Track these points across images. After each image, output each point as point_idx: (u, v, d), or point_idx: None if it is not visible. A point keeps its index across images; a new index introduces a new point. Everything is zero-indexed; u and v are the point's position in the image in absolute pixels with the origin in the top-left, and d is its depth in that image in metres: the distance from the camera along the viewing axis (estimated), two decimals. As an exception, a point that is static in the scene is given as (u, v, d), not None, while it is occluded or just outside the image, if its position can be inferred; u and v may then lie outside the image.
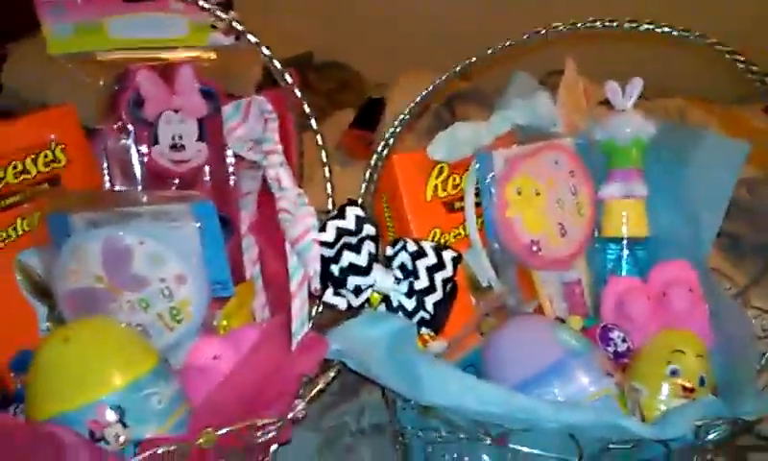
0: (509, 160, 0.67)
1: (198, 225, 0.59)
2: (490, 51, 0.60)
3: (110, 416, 0.49)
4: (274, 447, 0.57)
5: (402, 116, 0.58)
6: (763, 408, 0.54)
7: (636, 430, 0.49)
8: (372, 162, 0.59)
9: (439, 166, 0.67)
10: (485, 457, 0.56)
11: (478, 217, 0.67)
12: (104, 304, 0.59)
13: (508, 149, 0.68)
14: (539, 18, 0.68)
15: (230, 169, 0.67)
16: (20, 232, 0.60)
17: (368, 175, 0.58)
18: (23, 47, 1.11)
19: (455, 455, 0.58)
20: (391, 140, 0.58)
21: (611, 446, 0.50)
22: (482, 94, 1.13)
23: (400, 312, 0.58)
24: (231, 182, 0.67)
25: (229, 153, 0.67)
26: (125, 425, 0.49)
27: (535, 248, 0.67)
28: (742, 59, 0.61)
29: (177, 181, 0.66)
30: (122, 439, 0.49)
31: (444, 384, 0.51)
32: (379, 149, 0.58)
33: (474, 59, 0.61)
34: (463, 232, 0.68)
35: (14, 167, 0.60)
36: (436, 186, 0.67)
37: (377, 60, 1.46)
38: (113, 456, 0.47)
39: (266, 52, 0.55)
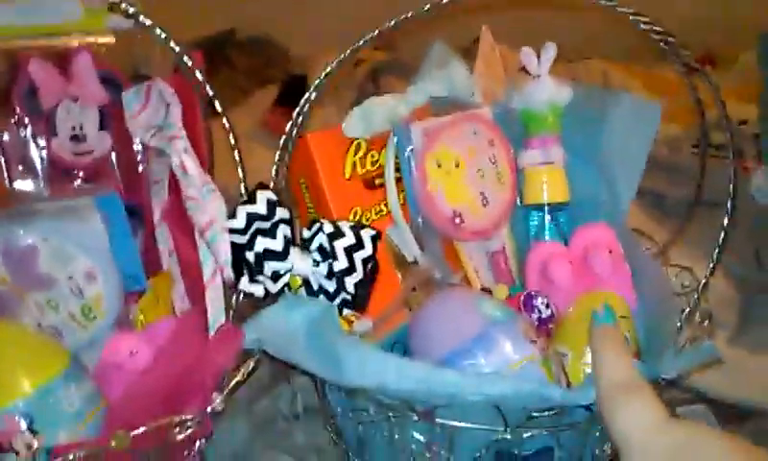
0: (427, 133, 0.66)
1: (104, 218, 0.56)
2: (393, 22, 0.59)
3: (19, 424, 0.47)
4: (199, 441, 0.56)
5: (308, 94, 0.56)
6: (682, 365, 0.55)
7: (557, 397, 0.49)
8: (282, 142, 0.57)
9: (356, 143, 0.66)
10: (415, 433, 0.56)
11: (399, 192, 0.66)
12: (9, 307, 0.56)
13: (426, 121, 0.67)
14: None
15: (138, 157, 0.64)
16: None
17: (278, 156, 0.57)
18: None
19: (386, 434, 0.58)
20: (300, 118, 0.56)
21: (534, 414, 0.50)
22: (406, 66, 1.11)
23: (322, 295, 0.57)
24: (140, 171, 0.65)
25: (137, 140, 0.65)
26: (35, 433, 0.47)
27: (457, 220, 0.66)
28: (645, 19, 0.61)
29: (81, 173, 0.63)
30: (33, 447, 0.47)
31: (363, 365, 0.50)
32: (288, 128, 0.56)
33: (381, 29, 0.60)
34: (385, 209, 0.67)
35: None
36: (354, 164, 0.66)
37: (302, 34, 1.43)
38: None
39: (161, 35, 0.53)
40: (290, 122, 0.56)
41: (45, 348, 0.52)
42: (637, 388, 0.45)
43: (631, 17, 0.59)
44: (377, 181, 0.67)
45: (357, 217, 0.65)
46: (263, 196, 0.53)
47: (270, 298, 0.56)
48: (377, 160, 0.67)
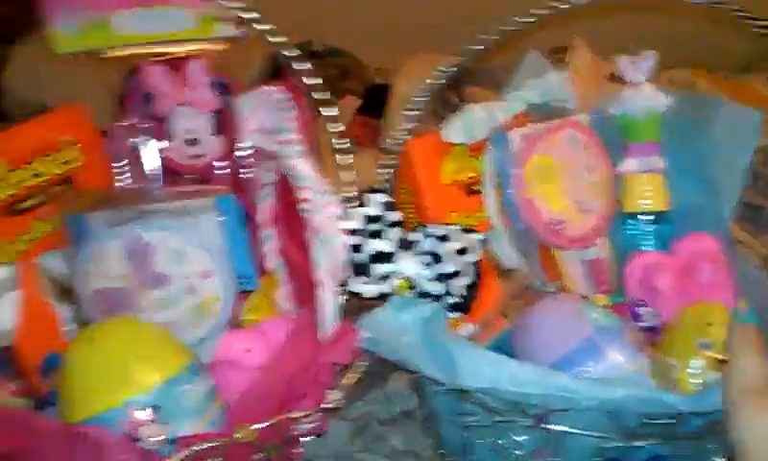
0: (525, 140, 0.67)
1: (221, 219, 0.58)
2: (496, 36, 0.59)
3: (145, 415, 0.49)
4: (306, 438, 0.57)
5: (415, 101, 0.57)
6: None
7: (677, 404, 0.48)
8: (388, 148, 0.58)
9: (454, 149, 0.66)
10: (523, 439, 0.56)
11: (497, 199, 0.66)
12: (128, 304, 0.59)
13: (524, 128, 0.67)
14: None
15: (247, 162, 0.66)
16: (39, 235, 0.59)
17: (385, 162, 0.58)
18: (22, 49, 1.10)
19: (491, 439, 0.58)
20: (408, 126, 0.57)
21: (651, 421, 0.50)
22: (487, 74, 1.11)
23: (427, 298, 0.58)
24: (248, 175, 0.66)
25: (244, 145, 0.66)
26: (160, 424, 0.49)
27: (557, 226, 0.66)
28: (749, 15, 0.60)
29: (193, 177, 0.65)
30: (158, 438, 0.48)
31: (478, 367, 0.50)
32: (397, 135, 0.57)
33: (482, 47, 0.60)
34: (482, 215, 0.67)
35: (33, 169, 0.59)
36: (453, 170, 0.66)
37: (377, 44, 1.44)
38: (153, 455, 0.46)
39: (279, 40, 0.54)
40: (399, 128, 0.57)
41: (170, 343, 0.54)
42: None
43: (732, 13, 0.58)
44: (475, 188, 0.67)
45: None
46: (376, 199, 0.54)
47: (373, 300, 0.57)
48: (475, 167, 0.67)
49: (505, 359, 0.51)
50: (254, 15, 0.54)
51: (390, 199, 0.55)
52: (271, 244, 0.67)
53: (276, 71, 0.66)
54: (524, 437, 0.55)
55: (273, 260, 0.66)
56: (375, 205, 0.54)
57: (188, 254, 0.58)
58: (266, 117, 0.58)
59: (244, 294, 0.63)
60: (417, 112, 0.58)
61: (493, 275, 0.66)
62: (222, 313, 0.60)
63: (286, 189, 0.64)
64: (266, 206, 0.66)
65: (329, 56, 1.41)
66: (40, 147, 0.60)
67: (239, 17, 0.57)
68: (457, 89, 1.11)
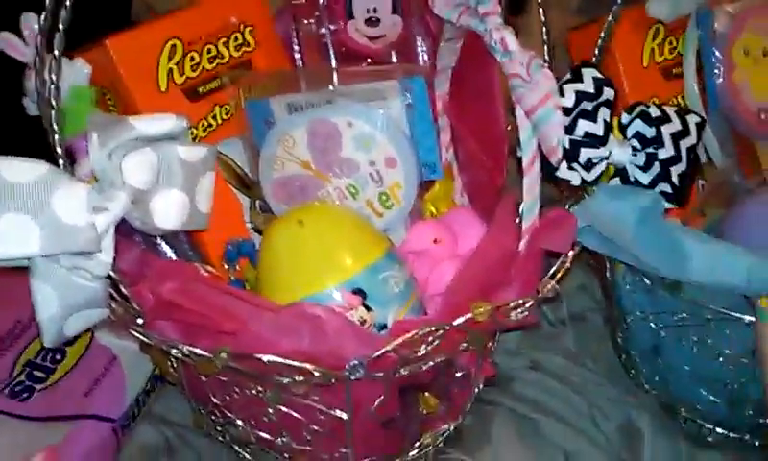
0: (735, 17, 0.60)
1: (408, 102, 0.55)
2: None
3: (354, 299, 0.47)
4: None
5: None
6: None
7: None
8: (607, 24, 0.52)
9: (654, 27, 0.60)
10: (735, 337, 0.52)
11: (699, 83, 0.60)
12: (312, 192, 0.57)
13: (732, 4, 0.60)
14: None
15: (422, 45, 0.62)
16: (219, 121, 0.58)
17: (602, 35, 0.52)
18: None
19: (695, 338, 0.54)
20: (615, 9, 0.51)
21: None
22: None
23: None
24: (423, 60, 0.63)
25: (417, 29, 0.62)
26: (368, 309, 0.47)
27: (763, 115, 0.60)
28: None
29: (369, 60, 0.62)
30: (367, 322, 0.47)
31: (716, 260, 0.46)
32: (614, 10, 0.51)
33: None
34: (682, 101, 0.61)
35: (209, 51, 0.57)
36: (652, 50, 0.60)
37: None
38: (373, 337, 0.44)
39: None
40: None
41: (369, 229, 0.52)
42: None
43: None
44: (675, 71, 0.61)
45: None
46: (589, 74, 0.49)
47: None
48: (676, 47, 0.61)
49: (744, 253, 0.46)
50: None
51: (601, 75, 0.49)
52: (445, 134, 0.63)
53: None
54: (735, 335, 0.51)
55: (445, 152, 0.63)
56: (588, 80, 0.49)
57: (375, 140, 0.55)
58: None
59: (425, 184, 0.60)
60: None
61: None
62: (404, 202, 0.57)
63: (461, 75, 0.60)
64: (441, 92, 0.62)
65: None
66: (215, 30, 0.58)
67: None
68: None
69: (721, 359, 0.53)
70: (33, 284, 0.41)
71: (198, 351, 0.43)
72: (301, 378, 0.42)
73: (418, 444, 0.55)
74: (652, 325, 0.56)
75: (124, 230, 0.45)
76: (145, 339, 0.44)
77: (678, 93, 0.61)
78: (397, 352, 0.43)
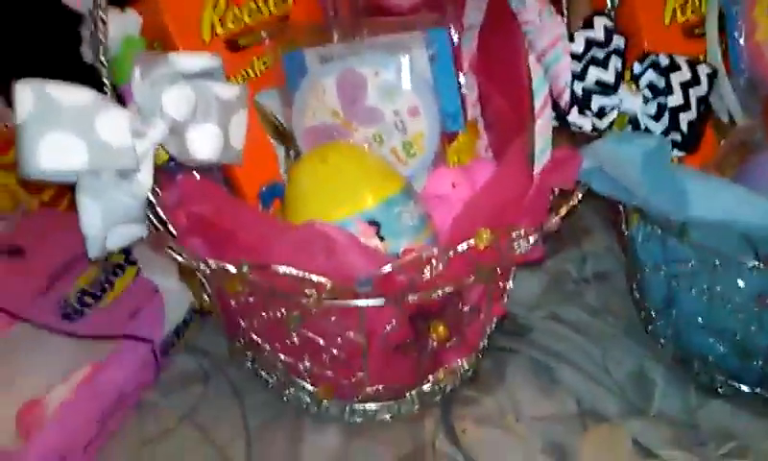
0: (758, -22, 0.61)
1: (431, 52, 0.58)
2: None
3: (368, 229, 0.50)
4: (512, 272, 0.57)
5: None
6: None
7: None
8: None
9: (674, -15, 0.62)
10: (741, 282, 0.53)
11: (722, 43, 0.62)
12: (340, 140, 0.60)
13: (756, -35, 0.61)
14: None
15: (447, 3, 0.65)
16: (257, 72, 0.62)
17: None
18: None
19: (705, 286, 0.55)
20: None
21: None
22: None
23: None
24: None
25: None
26: (382, 239, 0.51)
27: (786, 75, 0.61)
28: None
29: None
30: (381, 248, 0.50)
31: (714, 197, 0.47)
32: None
33: None
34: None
35: (249, 7, 0.61)
36: (674, 10, 0.62)
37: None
38: (380, 256, 0.48)
39: None
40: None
41: (387, 167, 0.55)
42: None
43: None
44: (697, 31, 0.62)
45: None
46: (600, 22, 0.51)
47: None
48: (698, 7, 0.62)
49: (743, 190, 0.47)
50: None
51: (611, 23, 0.52)
52: (471, 91, 0.66)
53: None
54: (743, 280, 0.52)
55: (471, 109, 0.66)
56: (599, 28, 0.51)
57: (399, 90, 0.58)
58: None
59: (449, 135, 0.62)
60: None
61: (710, 126, 0.62)
62: (427, 151, 0.60)
63: (488, 33, 0.63)
64: (468, 51, 0.65)
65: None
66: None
67: None
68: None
69: (730, 306, 0.54)
70: (79, 199, 0.46)
71: (223, 264, 0.47)
72: (314, 293, 0.46)
73: (432, 377, 0.58)
74: (664, 274, 0.58)
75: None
76: (177, 256, 0.49)
77: (699, 53, 0.62)
78: (404, 273, 0.46)
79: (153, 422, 0.59)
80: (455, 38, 0.64)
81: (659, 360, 0.63)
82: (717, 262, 0.53)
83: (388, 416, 0.59)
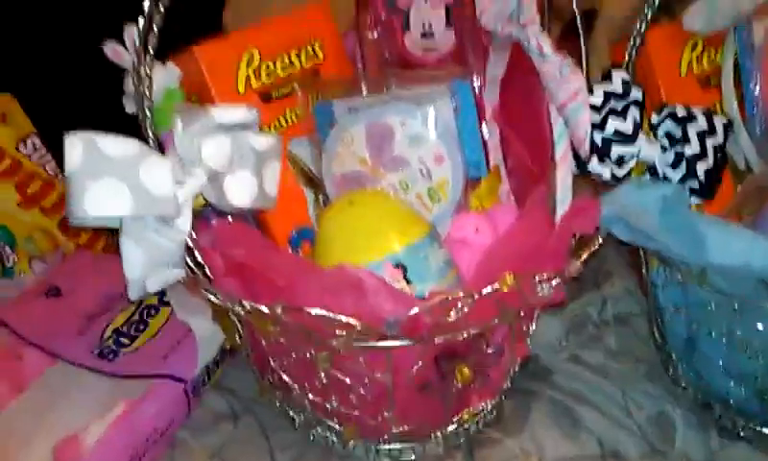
0: (771, 31, 0.63)
1: (455, 104, 0.60)
2: None
3: (396, 272, 0.52)
4: (536, 315, 0.59)
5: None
6: None
7: None
8: (632, 40, 0.57)
9: (693, 41, 0.64)
10: (760, 326, 0.54)
11: (737, 93, 0.64)
12: (367, 186, 0.63)
13: (770, 18, 0.63)
14: None
15: (473, 56, 0.68)
16: (290, 122, 0.65)
17: (630, 50, 0.57)
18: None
19: (724, 330, 0.56)
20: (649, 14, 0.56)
21: None
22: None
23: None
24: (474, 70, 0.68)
25: (469, 41, 0.68)
26: (408, 282, 0.53)
27: (801, 124, 0.62)
28: None
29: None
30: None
31: (729, 242, 0.49)
32: (639, 26, 0.56)
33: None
34: (720, 110, 0.64)
35: (282, 61, 0.64)
36: (690, 62, 0.64)
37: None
38: (408, 298, 0.50)
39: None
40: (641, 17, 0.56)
41: (412, 213, 0.57)
42: None
43: None
44: (713, 81, 0.65)
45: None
46: (619, 76, 0.54)
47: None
48: (714, 59, 0.65)
49: (759, 236, 0.49)
50: None
51: (628, 76, 0.54)
52: (493, 138, 0.68)
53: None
54: (763, 323, 0.53)
55: (494, 155, 0.68)
56: (617, 81, 0.53)
57: (425, 139, 0.61)
58: (503, 3, 0.59)
59: (472, 182, 0.65)
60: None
61: (727, 173, 0.63)
62: (451, 197, 0.62)
63: (511, 83, 0.65)
64: (491, 100, 0.67)
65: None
66: (290, 42, 0.65)
67: None
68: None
69: (749, 350, 0.55)
70: (122, 242, 0.49)
71: (257, 305, 0.49)
72: (344, 333, 0.48)
73: (456, 418, 0.59)
74: (684, 317, 0.59)
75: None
76: (213, 297, 0.51)
77: (716, 102, 0.64)
78: (431, 315, 0.48)
79: (184, 460, 0.61)
80: (477, 89, 0.67)
81: (680, 403, 0.63)
82: (736, 306, 0.54)
83: (413, 457, 0.60)
